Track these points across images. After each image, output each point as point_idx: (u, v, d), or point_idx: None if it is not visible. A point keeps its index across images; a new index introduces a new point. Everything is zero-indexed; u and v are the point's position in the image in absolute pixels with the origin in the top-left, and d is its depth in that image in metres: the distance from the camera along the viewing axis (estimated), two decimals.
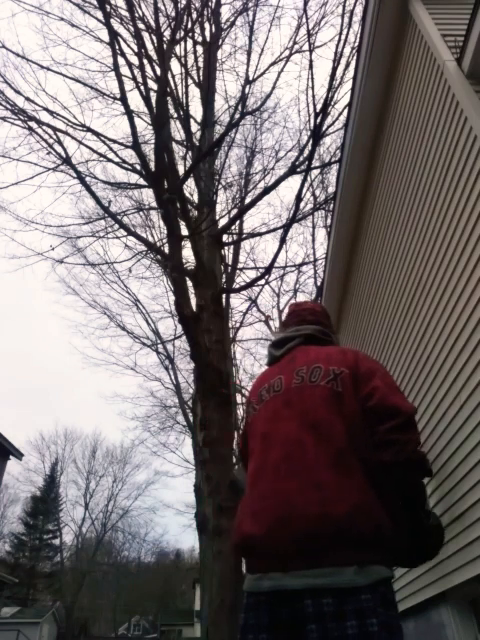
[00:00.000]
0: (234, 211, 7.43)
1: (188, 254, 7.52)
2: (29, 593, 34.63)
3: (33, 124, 5.96)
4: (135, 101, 16.37)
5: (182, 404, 14.23)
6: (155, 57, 5.67)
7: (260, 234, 9.90)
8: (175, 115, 6.94)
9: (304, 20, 6.49)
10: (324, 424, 1.42)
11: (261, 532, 1.34)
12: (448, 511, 2.44)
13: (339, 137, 7.17)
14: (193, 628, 29.87)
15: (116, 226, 7.23)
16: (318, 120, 4.63)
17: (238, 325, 13.25)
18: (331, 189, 8.67)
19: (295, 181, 24.58)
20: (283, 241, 5.82)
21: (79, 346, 45.15)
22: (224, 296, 7.26)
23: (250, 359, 30.29)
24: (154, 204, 7.50)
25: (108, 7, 5.56)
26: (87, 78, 6.96)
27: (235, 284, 10.59)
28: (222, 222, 6.93)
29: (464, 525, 2.26)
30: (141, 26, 6.02)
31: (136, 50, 5.54)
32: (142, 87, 4.84)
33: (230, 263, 10.53)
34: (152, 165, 4.72)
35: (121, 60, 4.86)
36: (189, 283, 5.73)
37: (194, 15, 6.91)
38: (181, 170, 5.80)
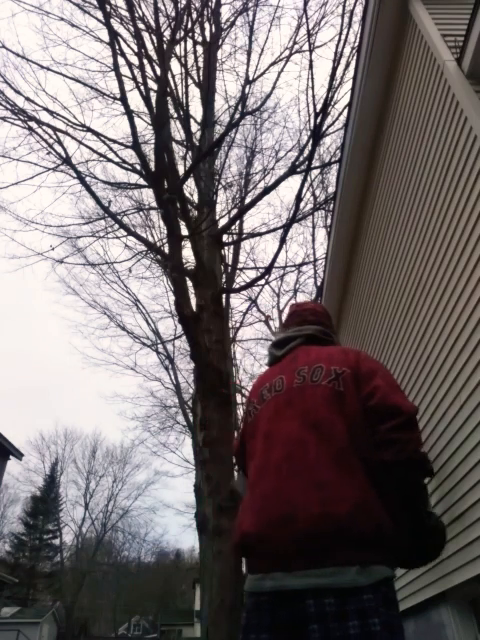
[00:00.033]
0: (234, 211, 7.44)
1: (188, 254, 7.54)
2: (29, 593, 34.63)
3: (33, 124, 5.97)
4: (135, 101, 16.41)
5: (182, 404, 14.24)
6: (155, 57, 5.68)
7: (260, 234, 9.91)
8: (175, 115, 6.95)
9: (304, 20, 6.50)
10: (325, 423, 1.43)
11: (262, 532, 1.34)
12: (448, 511, 2.44)
13: (339, 137, 7.18)
14: (193, 628, 29.87)
15: (116, 226, 7.23)
16: (318, 120, 4.63)
17: (238, 325, 13.28)
18: (331, 189, 8.68)
19: (295, 181, 24.61)
20: (283, 241, 5.82)
21: (79, 346, 45.29)
22: (224, 296, 7.26)
23: (250, 359, 30.34)
24: (154, 204, 7.50)
25: (108, 7, 5.56)
26: (87, 78, 6.97)
27: (235, 284, 10.60)
28: (222, 222, 6.93)
29: (464, 525, 2.26)
30: (141, 26, 6.02)
31: (136, 50, 5.54)
32: (142, 87, 4.85)
33: (230, 263, 10.53)
34: (152, 165, 4.72)
35: (121, 60, 4.87)
36: (189, 283, 5.74)
37: (194, 15, 6.92)
38: (181, 170, 5.80)
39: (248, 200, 7.43)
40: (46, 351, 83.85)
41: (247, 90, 6.31)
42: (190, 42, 7.05)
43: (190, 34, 6.91)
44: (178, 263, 4.87)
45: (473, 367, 2.27)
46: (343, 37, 4.52)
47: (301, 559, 1.26)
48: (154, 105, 4.87)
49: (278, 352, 1.80)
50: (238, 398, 12.31)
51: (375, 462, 1.38)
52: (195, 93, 9.97)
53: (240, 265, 11.25)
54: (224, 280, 8.81)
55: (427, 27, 2.79)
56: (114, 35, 4.89)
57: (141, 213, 10.27)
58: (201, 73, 7.38)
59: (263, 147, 8.83)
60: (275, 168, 7.79)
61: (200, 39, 7.44)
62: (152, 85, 5.56)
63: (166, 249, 6.06)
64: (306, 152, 6.18)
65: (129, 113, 4.68)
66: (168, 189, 4.72)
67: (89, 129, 5.90)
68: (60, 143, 5.81)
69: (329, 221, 7.54)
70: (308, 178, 7.12)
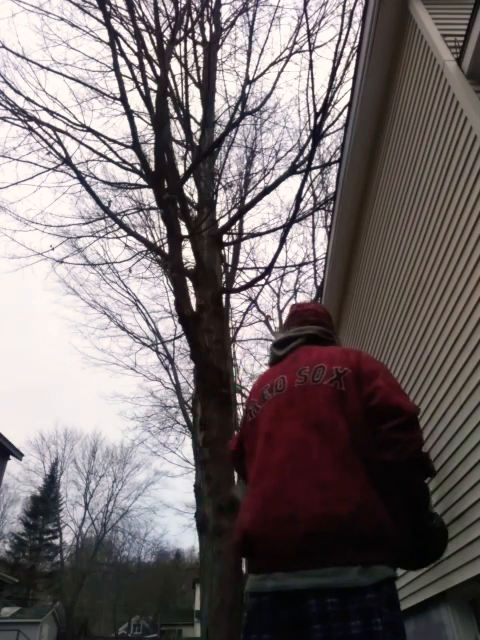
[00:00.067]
0: (234, 211, 7.44)
1: (188, 254, 7.53)
2: (29, 593, 34.63)
3: (33, 124, 5.97)
4: (135, 101, 16.38)
5: (182, 404, 14.24)
6: (155, 57, 5.68)
7: (260, 234, 9.92)
8: (175, 115, 6.95)
9: (304, 20, 6.50)
10: (327, 423, 1.43)
11: (264, 531, 1.34)
12: (448, 511, 2.44)
13: (339, 137, 7.18)
14: (193, 628, 29.87)
15: (116, 226, 7.24)
16: (318, 120, 4.64)
17: (238, 325, 13.27)
18: (331, 189, 8.68)
19: (295, 181, 24.59)
20: (283, 241, 5.83)
21: (79, 346, 45.24)
22: (224, 296, 7.27)
23: (250, 359, 30.31)
24: (154, 204, 7.50)
25: (108, 7, 5.56)
26: (87, 78, 6.98)
27: (235, 284, 10.60)
28: (222, 222, 6.94)
29: (464, 525, 2.26)
30: (141, 26, 6.03)
31: (136, 50, 5.54)
32: (142, 87, 4.85)
33: (230, 263, 10.53)
34: (152, 165, 4.72)
35: (121, 60, 4.87)
36: (189, 283, 5.74)
37: (194, 15, 6.92)
38: (181, 170, 5.81)
39: (248, 200, 7.43)
40: (46, 351, 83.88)
41: (247, 90, 6.32)
42: (190, 42, 7.06)
43: (190, 34, 6.91)
44: (178, 263, 4.87)
45: (473, 367, 2.27)
46: (343, 37, 4.53)
47: (303, 559, 1.26)
48: (154, 105, 4.87)
49: (279, 352, 1.80)
50: (238, 398, 12.31)
51: (377, 462, 1.38)
52: (195, 93, 9.97)
53: (240, 265, 11.26)
54: (224, 280, 8.81)
55: (427, 27, 2.79)
56: (114, 35, 4.89)
57: (141, 213, 10.28)
58: (201, 73, 7.38)
59: (263, 147, 8.83)
60: (275, 168, 7.80)
61: (200, 39, 7.45)
62: (152, 85, 5.57)
63: (166, 249, 6.06)
64: (306, 152, 6.19)
65: (129, 113, 4.68)
66: (168, 189, 4.73)
67: (89, 129, 5.90)
68: (60, 143, 5.82)
69: (329, 221, 7.54)
70: (308, 178, 7.12)
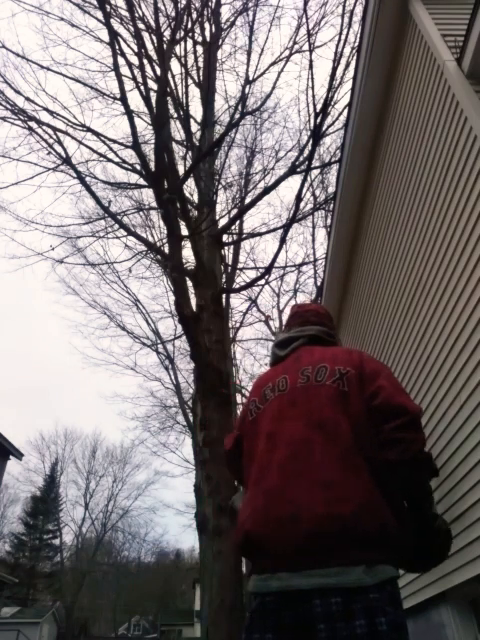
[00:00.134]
0: (234, 211, 7.44)
1: (188, 254, 7.53)
2: (29, 593, 34.63)
3: (33, 124, 5.97)
4: (135, 101, 16.41)
5: (182, 404, 14.23)
6: (155, 57, 5.68)
7: (260, 234, 9.91)
8: (175, 115, 6.95)
9: (304, 20, 6.50)
10: (330, 423, 1.42)
11: (266, 531, 1.34)
12: (448, 511, 2.44)
13: (339, 137, 7.19)
14: (193, 628, 29.88)
15: (116, 226, 7.23)
16: (318, 120, 4.64)
17: (238, 325, 13.27)
18: (331, 189, 8.68)
19: (295, 181, 24.61)
20: (283, 241, 5.83)
21: (79, 346, 45.27)
22: (224, 296, 7.27)
23: (250, 359, 30.26)
24: (154, 204, 7.50)
25: (108, 7, 5.56)
26: (87, 78, 6.98)
27: (235, 284, 10.61)
28: (222, 222, 6.94)
29: (464, 525, 2.26)
30: (141, 26, 6.02)
31: (136, 50, 5.54)
32: (142, 87, 4.85)
33: (230, 263, 10.54)
34: (152, 165, 4.72)
35: (121, 60, 4.87)
36: (189, 283, 5.74)
37: (194, 15, 6.92)
38: (181, 170, 5.81)
39: (248, 200, 7.44)
40: (46, 351, 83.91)
41: (247, 90, 6.31)
42: (190, 42, 7.06)
43: (190, 34, 6.91)
44: (178, 263, 4.87)
45: (473, 367, 2.27)
46: (343, 37, 4.53)
47: (305, 559, 1.26)
48: (154, 105, 4.87)
49: (281, 352, 1.80)
50: (238, 398, 12.31)
51: (380, 462, 1.38)
52: (195, 93, 9.98)
53: (240, 265, 11.26)
54: (224, 280, 8.81)
55: (427, 27, 2.79)
56: (114, 35, 4.89)
57: (141, 213, 10.27)
58: (201, 73, 7.38)
59: (263, 147, 8.83)
60: (275, 168, 7.80)
61: (200, 39, 7.45)
62: (152, 85, 5.57)
63: (166, 249, 6.06)
64: (306, 152, 6.19)
65: (129, 113, 4.68)
66: (168, 189, 4.73)
67: (89, 129, 5.90)
68: (60, 143, 5.81)
69: (329, 221, 7.55)
70: (308, 178, 7.13)
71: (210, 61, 6.75)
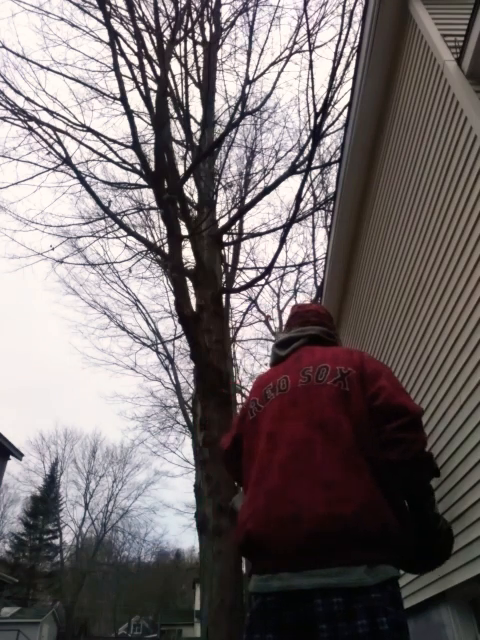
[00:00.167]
0: (234, 211, 7.44)
1: (188, 254, 7.53)
2: (29, 593, 34.63)
3: (33, 124, 5.97)
4: (135, 101, 16.39)
5: (182, 404, 14.23)
6: (155, 57, 5.68)
7: (260, 234, 9.91)
8: (175, 115, 6.95)
9: (304, 20, 6.50)
10: (331, 423, 1.43)
11: (267, 531, 1.34)
12: (448, 511, 2.44)
13: (339, 137, 7.19)
14: (193, 628, 29.88)
15: (116, 226, 7.23)
16: (318, 120, 4.64)
17: (238, 325, 13.27)
18: (331, 189, 8.69)
19: (295, 181, 24.60)
20: (283, 241, 5.83)
21: (79, 346, 45.23)
22: (224, 296, 7.27)
23: (250, 359, 30.26)
24: (154, 204, 7.50)
25: (108, 7, 5.56)
26: (87, 78, 6.98)
27: (235, 284, 10.60)
28: (222, 222, 6.94)
29: (464, 525, 2.26)
30: (141, 26, 6.02)
31: (136, 50, 5.54)
32: (142, 87, 4.85)
33: (230, 263, 10.54)
34: (152, 165, 4.72)
35: (121, 60, 4.87)
36: (189, 283, 5.74)
37: (194, 15, 6.92)
38: (181, 170, 5.80)
39: (248, 200, 7.44)
40: (46, 351, 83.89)
41: (247, 90, 6.31)
42: (190, 42, 7.06)
43: (190, 34, 6.91)
44: (178, 263, 4.87)
45: (473, 367, 2.27)
46: (343, 37, 4.53)
47: (307, 559, 1.26)
48: (154, 105, 4.87)
49: (281, 352, 1.80)
50: (238, 398, 12.30)
51: (381, 462, 1.39)
52: (195, 93, 9.98)
53: (240, 265, 11.26)
54: (224, 280, 8.81)
55: (427, 27, 2.79)
56: (114, 35, 4.89)
57: (141, 213, 10.27)
58: (201, 73, 7.38)
59: (263, 147, 8.83)
60: (275, 168, 7.80)
61: (200, 39, 7.45)
62: (152, 85, 5.57)
63: (166, 249, 6.06)
64: (306, 152, 6.19)
65: (129, 113, 4.68)
66: (168, 189, 4.73)
67: (89, 129, 5.90)
68: (60, 143, 5.82)
69: (329, 221, 7.55)
70: (308, 178, 7.13)
71: (210, 61, 6.75)
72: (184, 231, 5.52)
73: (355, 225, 4.80)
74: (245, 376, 15.40)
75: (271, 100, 11.77)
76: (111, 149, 6.10)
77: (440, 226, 2.70)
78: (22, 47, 14.96)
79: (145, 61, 5.21)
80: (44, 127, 5.89)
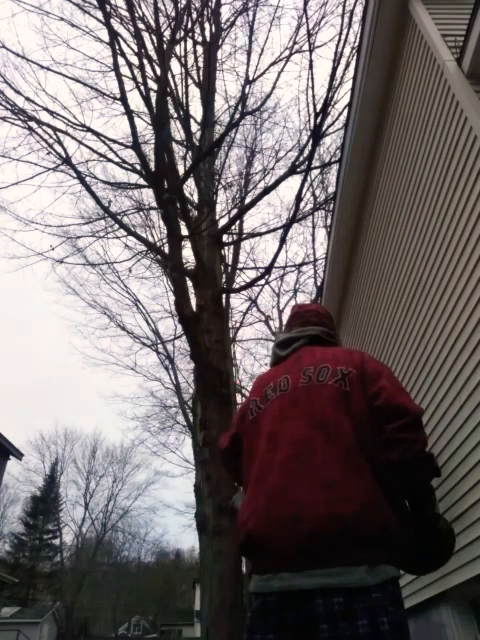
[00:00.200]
0: (234, 211, 7.44)
1: (188, 254, 7.54)
2: (29, 593, 34.62)
3: (33, 124, 5.97)
4: (135, 101, 16.42)
5: (182, 404, 14.23)
6: (155, 57, 5.68)
7: (260, 234, 9.91)
8: (175, 115, 6.95)
9: (304, 20, 6.50)
10: (332, 423, 1.43)
11: (268, 531, 1.34)
12: (448, 511, 2.44)
13: (339, 137, 7.19)
14: (193, 628, 29.88)
15: (116, 226, 7.23)
16: (318, 120, 4.64)
17: (238, 325, 13.26)
18: (331, 189, 8.69)
19: (295, 181, 24.60)
20: (283, 241, 5.83)
21: (79, 346, 45.07)
22: (224, 296, 7.27)
23: (250, 359, 30.24)
24: (154, 204, 7.50)
25: (108, 7, 5.56)
26: (87, 78, 6.98)
27: (235, 284, 10.60)
28: (222, 222, 6.94)
29: (464, 525, 2.26)
30: (141, 26, 6.02)
31: (136, 50, 5.54)
32: (142, 87, 4.85)
33: (230, 263, 10.54)
34: (152, 165, 4.72)
35: (121, 60, 4.87)
36: (189, 283, 5.74)
37: (194, 15, 6.92)
38: (181, 170, 5.80)
39: (248, 200, 7.44)
40: (46, 351, 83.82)
41: (247, 90, 6.30)
42: (190, 42, 7.06)
43: (190, 34, 6.91)
44: (178, 263, 4.87)
45: (473, 367, 2.27)
46: (343, 37, 4.53)
47: (307, 559, 1.26)
48: (154, 105, 4.87)
49: (282, 352, 1.80)
50: (238, 398, 12.30)
51: (382, 462, 1.39)
52: (195, 93, 9.98)
53: (240, 265, 11.26)
54: (224, 280, 8.81)
55: (427, 27, 2.79)
56: (114, 35, 4.89)
57: (141, 213, 10.27)
58: (201, 73, 7.38)
59: (263, 147, 8.83)
60: (275, 168, 7.81)
61: (200, 39, 7.45)
62: (152, 85, 5.57)
63: (166, 249, 6.06)
64: (306, 152, 6.19)
65: (129, 113, 4.68)
66: (168, 189, 4.73)
67: (89, 129, 5.90)
68: (60, 143, 5.81)
69: (329, 221, 7.55)
70: (308, 178, 7.13)
71: (210, 61, 6.75)
72: (184, 231, 5.52)
73: (355, 225, 4.80)
74: (245, 376, 15.42)
75: (271, 100, 11.79)
76: (111, 149, 6.11)
77: (440, 226, 2.70)
78: (22, 47, 15.00)
79: (145, 61, 5.22)
80: (44, 127, 5.90)
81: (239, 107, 6.09)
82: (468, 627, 2.58)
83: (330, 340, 1.83)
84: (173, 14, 5.84)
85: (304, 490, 1.33)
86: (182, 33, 6.32)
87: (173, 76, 6.66)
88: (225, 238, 7.09)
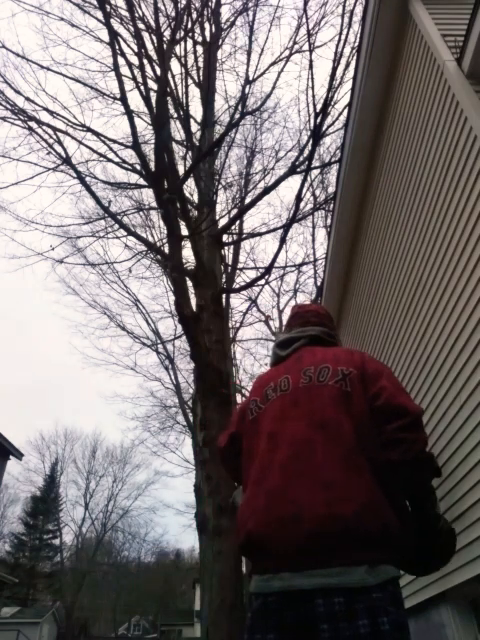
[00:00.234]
0: (234, 211, 7.44)
1: (188, 254, 7.54)
2: (29, 593, 34.62)
3: (33, 124, 5.97)
4: (135, 101, 16.42)
5: (182, 404, 14.23)
6: (155, 57, 5.68)
7: (260, 234, 9.92)
8: (175, 115, 6.96)
9: (304, 20, 6.50)
10: (332, 423, 1.43)
11: (268, 532, 1.34)
12: (448, 511, 2.44)
13: (339, 137, 7.19)
14: (193, 628, 29.87)
15: (116, 226, 7.23)
16: (318, 120, 4.64)
17: (238, 325, 13.26)
18: (331, 189, 8.69)
19: (295, 181, 24.61)
20: (283, 241, 5.83)
21: (79, 346, 45.08)
22: (224, 296, 7.27)
23: (250, 359, 30.25)
24: (154, 204, 7.51)
25: (108, 7, 5.56)
26: (87, 78, 6.98)
27: (235, 284, 10.60)
28: (222, 222, 6.94)
29: (464, 525, 2.26)
30: (141, 26, 6.03)
31: (136, 50, 5.55)
32: (142, 87, 4.85)
33: (230, 263, 10.54)
34: (152, 165, 4.72)
35: (121, 60, 4.87)
36: (189, 283, 5.74)
37: (194, 15, 6.93)
38: (181, 170, 5.81)
39: (248, 200, 7.44)
40: (46, 351, 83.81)
41: (247, 90, 6.30)
42: (190, 42, 7.06)
43: (190, 34, 6.92)
44: (178, 263, 4.87)
45: (473, 367, 2.27)
46: (343, 37, 4.53)
47: (307, 559, 1.26)
48: (154, 105, 4.87)
49: (282, 352, 1.80)
50: (238, 398, 12.30)
51: (382, 462, 1.39)
52: (195, 93, 9.98)
53: (240, 265, 11.26)
54: (224, 280, 8.81)
55: (427, 27, 2.79)
56: (114, 35, 4.89)
57: (141, 213, 10.27)
58: (201, 73, 7.38)
59: (263, 147, 8.83)
60: (275, 168, 7.81)
61: (200, 39, 7.45)
62: (152, 85, 5.57)
63: (166, 249, 6.06)
64: (306, 152, 6.19)
65: (129, 113, 4.68)
66: (168, 189, 4.73)
67: (89, 129, 5.90)
68: (60, 143, 5.82)
69: (329, 221, 7.55)
70: (308, 178, 7.13)
71: (210, 61, 6.75)
72: (184, 231, 5.52)
73: (355, 225, 4.80)
74: (245, 376, 15.42)
75: (271, 100, 11.79)
76: (111, 149, 6.11)
77: (440, 226, 2.70)
78: (22, 47, 15.01)
79: (145, 61, 5.22)
80: (44, 127, 5.90)
81: (239, 107, 6.10)
82: (468, 627, 2.58)
83: (330, 340, 1.83)
84: (173, 14, 5.85)
85: (304, 490, 1.33)
86: (182, 33, 6.33)
87: (173, 76, 6.67)
88: (225, 238, 7.10)
